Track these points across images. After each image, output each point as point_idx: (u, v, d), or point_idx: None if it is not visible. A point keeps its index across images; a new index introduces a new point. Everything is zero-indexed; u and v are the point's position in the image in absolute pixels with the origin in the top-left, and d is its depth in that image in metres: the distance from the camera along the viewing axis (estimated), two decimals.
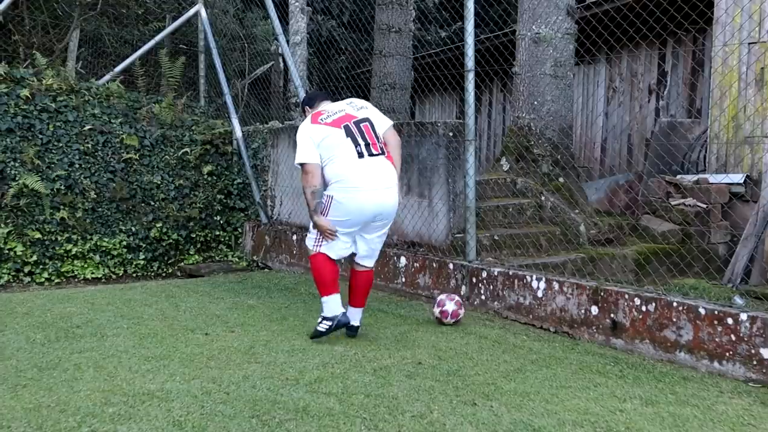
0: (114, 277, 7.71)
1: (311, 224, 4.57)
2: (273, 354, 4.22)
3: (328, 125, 4.49)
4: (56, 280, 7.29)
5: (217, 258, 8.46)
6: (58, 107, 7.46)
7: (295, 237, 7.43)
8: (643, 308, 4.39)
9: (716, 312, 4.04)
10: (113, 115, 7.85)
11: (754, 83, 7.55)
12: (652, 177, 7.73)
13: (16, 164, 7.14)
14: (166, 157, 8.16)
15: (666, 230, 6.89)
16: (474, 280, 5.56)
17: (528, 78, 7.21)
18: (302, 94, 7.69)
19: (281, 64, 11.01)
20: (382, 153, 4.54)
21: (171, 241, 8.12)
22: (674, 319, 4.23)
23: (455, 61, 10.36)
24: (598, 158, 10.11)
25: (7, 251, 7.04)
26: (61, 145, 7.43)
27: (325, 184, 4.51)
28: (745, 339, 3.90)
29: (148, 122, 8.09)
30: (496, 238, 6.11)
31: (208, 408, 3.25)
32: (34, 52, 8.37)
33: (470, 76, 5.55)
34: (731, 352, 3.96)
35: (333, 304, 4.52)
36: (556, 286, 4.95)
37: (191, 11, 9.27)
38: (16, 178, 7.09)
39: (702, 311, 4.10)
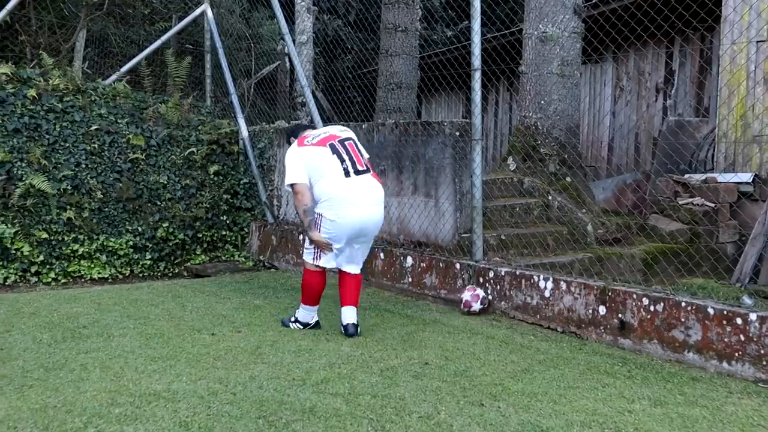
0: (120, 277, 7.72)
1: (307, 240, 4.82)
2: (280, 354, 4.21)
3: (314, 145, 4.73)
4: (63, 280, 7.30)
5: (223, 258, 8.45)
6: (65, 107, 7.47)
7: (301, 237, 7.42)
8: (652, 308, 4.37)
9: (725, 312, 4.02)
10: (120, 115, 7.86)
11: (763, 82, 7.51)
12: (659, 176, 7.70)
13: (23, 164, 7.16)
14: (173, 157, 8.16)
15: (674, 230, 6.86)
16: (481, 280, 5.54)
17: (535, 77, 7.19)
18: (308, 94, 7.69)
19: (287, 64, 11.00)
20: (368, 170, 4.77)
21: (177, 241, 8.12)
22: (683, 319, 4.20)
23: (462, 60, 10.32)
24: (606, 157, 10.07)
25: (14, 251, 7.06)
26: (67, 145, 7.44)
27: (315, 202, 4.72)
28: (755, 339, 3.87)
29: (154, 122, 8.10)
30: (503, 237, 6.09)
31: (214, 409, 3.24)
32: (40, 52, 8.39)
33: (477, 75, 5.54)
34: (740, 353, 3.93)
35: (310, 313, 4.92)
36: (563, 285, 4.93)
37: (197, 11, 9.29)
38: (23, 179, 7.10)
39: (711, 311, 4.08)
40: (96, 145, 7.61)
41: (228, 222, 8.52)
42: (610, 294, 4.62)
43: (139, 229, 7.87)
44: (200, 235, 8.30)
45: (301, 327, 4.91)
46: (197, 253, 8.31)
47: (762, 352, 3.84)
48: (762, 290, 5.46)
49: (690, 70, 9.07)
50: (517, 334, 4.84)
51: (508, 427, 3.13)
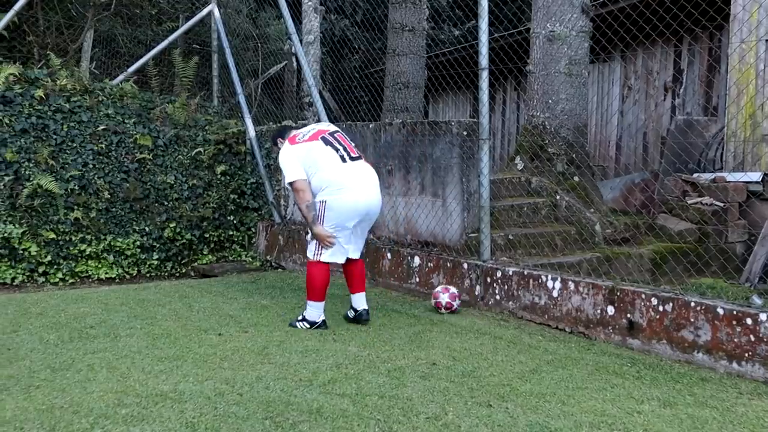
0: (128, 277, 7.73)
1: (309, 235, 4.93)
2: (286, 355, 4.20)
3: (306, 141, 4.89)
4: (70, 281, 7.32)
5: (230, 258, 8.46)
6: (72, 107, 7.48)
7: (308, 237, 7.41)
8: (660, 308, 4.34)
9: (735, 312, 3.98)
10: (127, 116, 7.88)
11: None
12: (668, 175, 7.66)
13: (31, 164, 7.17)
14: (180, 157, 8.17)
15: (683, 229, 6.82)
16: (488, 279, 5.52)
17: (542, 76, 7.16)
18: (315, 94, 7.68)
19: (294, 64, 10.98)
20: (360, 157, 4.96)
21: (184, 241, 8.12)
22: (692, 320, 4.17)
23: (469, 59, 10.31)
24: (614, 157, 10.03)
25: (21, 251, 7.07)
26: (75, 145, 7.45)
27: (314, 194, 4.84)
28: (765, 339, 3.84)
29: (161, 122, 8.11)
30: (510, 237, 6.06)
31: (221, 409, 3.24)
32: (48, 52, 8.41)
33: (484, 75, 5.51)
34: (750, 353, 3.90)
35: (317, 311, 4.91)
36: (571, 285, 4.90)
37: (204, 11, 9.29)
38: (31, 179, 7.12)
39: (720, 311, 4.05)
40: (103, 145, 7.62)
41: (235, 222, 8.52)
42: (618, 294, 4.59)
43: (147, 229, 7.88)
44: (207, 235, 8.30)
45: (308, 326, 4.90)
46: (204, 253, 8.31)
47: None
48: None
49: (699, 69, 9.02)
50: (525, 334, 4.82)
51: (517, 428, 3.11)
